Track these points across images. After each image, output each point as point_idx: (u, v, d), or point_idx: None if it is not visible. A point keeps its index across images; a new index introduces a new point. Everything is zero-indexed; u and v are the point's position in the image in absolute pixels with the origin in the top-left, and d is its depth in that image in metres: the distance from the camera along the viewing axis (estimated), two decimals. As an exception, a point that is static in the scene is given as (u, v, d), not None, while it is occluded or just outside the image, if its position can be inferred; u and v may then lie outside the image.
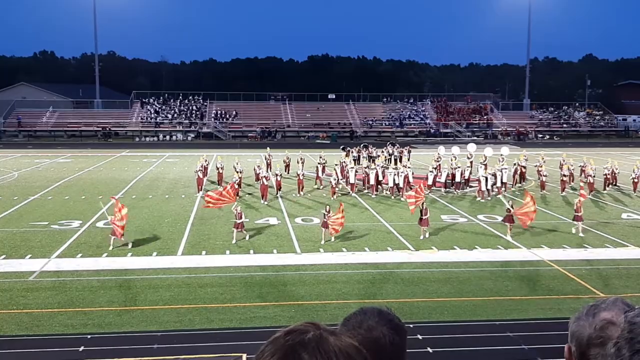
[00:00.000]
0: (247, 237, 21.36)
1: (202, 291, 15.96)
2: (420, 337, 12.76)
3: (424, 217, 21.82)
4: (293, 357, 1.30)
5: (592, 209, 27.66)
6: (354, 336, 1.60)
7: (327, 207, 21.72)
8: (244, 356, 12.02)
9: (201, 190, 31.20)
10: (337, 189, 30.48)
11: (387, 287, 16.51)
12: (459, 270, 18.00)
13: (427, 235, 21.86)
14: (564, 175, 32.05)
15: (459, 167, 33.04)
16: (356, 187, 31.43)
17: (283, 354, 1.32)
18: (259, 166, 33.76)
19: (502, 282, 16.93)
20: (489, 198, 29.76)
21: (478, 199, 29.92)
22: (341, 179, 30.78)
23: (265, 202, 28.53)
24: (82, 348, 12.47)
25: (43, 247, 20.13)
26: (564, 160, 35.18)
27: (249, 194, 30.91)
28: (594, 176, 31.91)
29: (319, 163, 35.15)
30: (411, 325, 13.07)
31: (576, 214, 22.78)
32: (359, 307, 1.83)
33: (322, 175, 34.46)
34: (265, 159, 37.69)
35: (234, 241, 20.90)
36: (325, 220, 21.05)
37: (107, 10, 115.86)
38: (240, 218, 21.16)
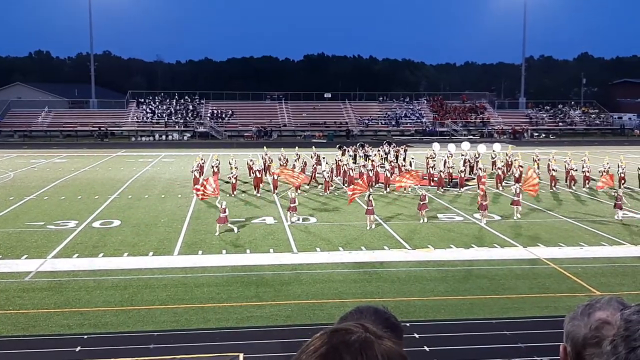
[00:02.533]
0: (300, 220, 24.09)
1: (198, 291, 15.94)
2: (416, 335, 12.77)
3: (422, 203, 24.03)
4: (334, 356, 1.29)
5: (589, 207, 27.74)
6: None
7: (369, 196, 23.36)
8: (241, 356, 12.02)
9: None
10: (330, 183, 31.15)
11: (383, 286, 16.51)
12: (456, 268, 18.04)
13: (425, 220, 23.82)
14: (553, 170, 32.92)
15: (453, 166, 33.57)
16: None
17: (325, 351, 1.30)
18: (251, 160, 34.41)
19: (498, 281, 16.96)
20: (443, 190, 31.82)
21: (440, 191, 31.55)
22: (324, 172, 31.68)
23: (259, 194, 29.41)
24: (78, 348, 12.45)
25: (39, 247, 20.07)
26: (553, 157, 35.80)
27: (244, 191, 30.96)
28: (576, 169, 33.06)
29: (311, 157, 35.65)
30: (408, 324, 13.11)
31: (514, 198, 25.39)
32: (355, 306, 1.83)
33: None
34: (263, 158, 37.75)
35: (290, 221, 23.71)
36: (369, 207, 22.95)
37: (102, 9, 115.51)
38: (294, 202, 23.81)
